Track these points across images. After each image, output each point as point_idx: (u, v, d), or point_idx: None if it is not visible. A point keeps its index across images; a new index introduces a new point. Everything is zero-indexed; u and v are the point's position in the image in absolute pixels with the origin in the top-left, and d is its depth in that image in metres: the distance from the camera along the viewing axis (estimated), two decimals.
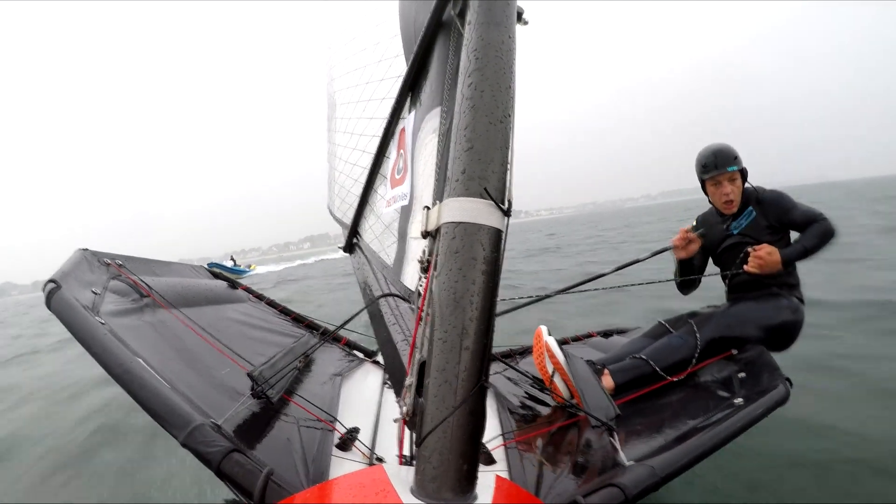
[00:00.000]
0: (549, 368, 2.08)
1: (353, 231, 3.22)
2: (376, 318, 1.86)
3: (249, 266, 38.20)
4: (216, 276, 3.10)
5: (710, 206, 2.65)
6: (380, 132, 2.42)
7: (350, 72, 2.95)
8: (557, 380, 2.05)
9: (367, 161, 2.74)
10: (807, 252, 2.29)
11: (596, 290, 2.82)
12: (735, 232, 2.50)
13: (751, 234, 2.44)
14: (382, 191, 2.57)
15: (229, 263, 33.32)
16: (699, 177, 2.53)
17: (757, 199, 2.45)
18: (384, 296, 2.00)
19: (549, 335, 2.17)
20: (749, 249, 2.33)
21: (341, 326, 1.91)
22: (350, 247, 3.36)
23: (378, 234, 2.44)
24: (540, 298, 3.06)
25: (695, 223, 2.73)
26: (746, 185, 2.50)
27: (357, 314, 1.84)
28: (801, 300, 2.41)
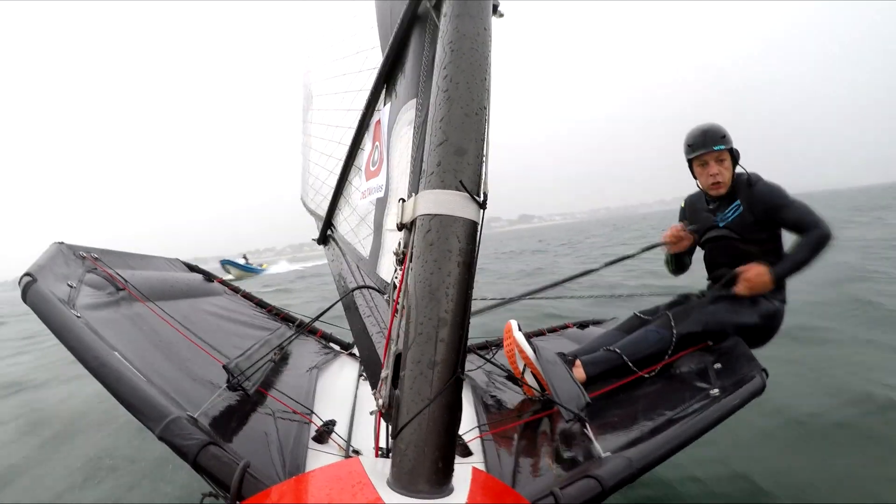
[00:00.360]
0: (520, 364, 2.09)
1: (328, 223, 3.18)
2: (351, 311, 1.85)
3: (261, 265, 37.70)
4: (192, 269, 3.07)
5: (698, 188, 2.56)
6: (356, 124, 2.40)
7: (327, 63, 2.92)
8: (528, 374, 2.06)
9: (343, 153, 2.72)
10: (799, 266, 2.22)
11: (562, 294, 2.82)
12: (720, 224, 2.44)
13: (736, 229, 2.37)
14: (357, 182, 2.55)
15: (241, 261, 33.04)
16: (686, 157, 2.45)
17: (749, 191, 2.34)
18: (359, 287, 2.00)
19: (519, 330, 2.16)
20: (738, 270, 2.28)
21: (316, 318, 1.90)
22: (324, 238, 3.33)
23: (353, 225, 2.42)
24: (525, 295, 3.06)
25: (682, 205, 2.71)
26: (739, 170, 2.41)
27: (332, 306, 1.83)
28: (784, 301, 2.37)
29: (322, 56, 3.13)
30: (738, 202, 2.37)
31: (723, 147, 2.33)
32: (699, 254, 2.68)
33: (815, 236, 2.18)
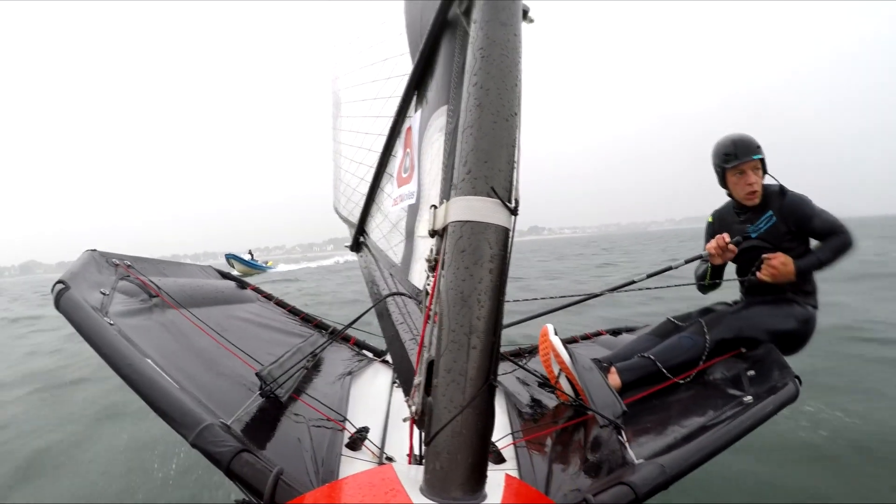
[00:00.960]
0: (556, 369, 2.07)
1: (360, 230, 3.22)
2: (384, 317, 1.86)
3: (267, 262, 37.59)
4: (225, 276, 3.12)
5: (728, 200, 2.57)
6: (386, 131, 2.42)
7: (355, 70, 2.95)
8: (563, 380, 2.05)
9: (374, 160, 2.74)
10: (822, 264, 2.26)
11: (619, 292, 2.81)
12: (753, 236, 2.43)
13: (769, 239, 2.37)
14: (389, 189, 2.57)
15: (246, 257, 32.87)
16: (719, 167, 2.44)
17: (780, 201, 2.37)
18: (391, 295, 2.01)
19: (555, 335, 2.15)
20: (764, 257, 2.29)
21: (349, 326, 1.91)
22: (357, 245, 3.36)
23: (385, 232, 2.44)
24: (568, 305, 3.05)
25: (710, 220, 2.69)
26: (770, 180, 2.42)
27: (365, 313, 1.85)
28: (816, 306, 2.37)
29: (350, 63, 3.17)
30: (770, 213, 2.38)
31: (760, 156, 2.34)
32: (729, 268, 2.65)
33: (841, 241, 2.25)
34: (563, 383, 2.05)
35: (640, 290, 2.74)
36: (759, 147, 2.34)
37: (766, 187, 2.42)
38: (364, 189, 2.97)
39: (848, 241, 2.24)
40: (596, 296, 3.00)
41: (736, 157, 2.35)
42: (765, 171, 2.40)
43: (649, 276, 2.84)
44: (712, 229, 2.66)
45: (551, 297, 3.24)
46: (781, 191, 2.38)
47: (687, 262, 2.72)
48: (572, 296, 2.93)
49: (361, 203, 3.06)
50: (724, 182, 2.49)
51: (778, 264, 2.24)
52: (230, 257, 31.57)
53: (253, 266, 31.66)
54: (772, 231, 2.37)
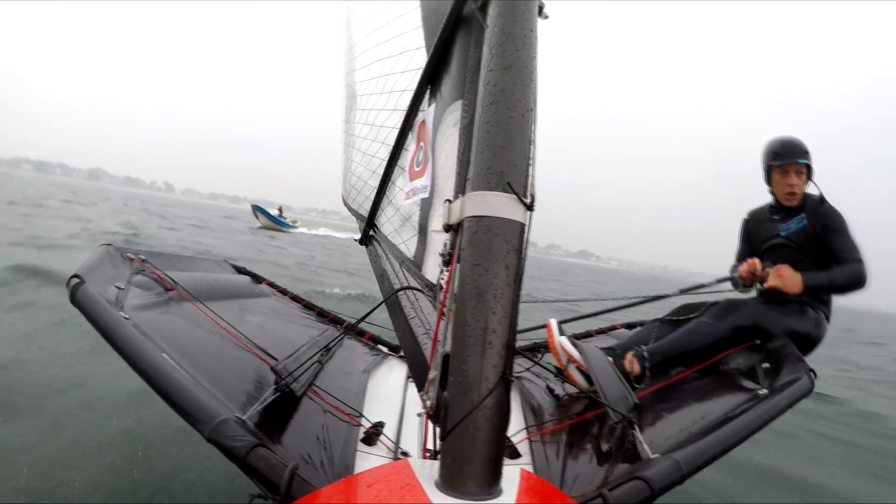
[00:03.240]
0: (564, 359, 2.10)
1: (370, 223, 3.22)
2: (396, 312, 1.87)
3: (295, 222, 36.32)
4: (240, 270, 3.15)
5: (769, 199, 2.60)
6: (400, 124, 2.42)
7: (372, 63, 2.95)
8: (572, 368, 2.07)
9: (386, 153, 2.74)
10: (832, 285, 2.25)
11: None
12: (782, 234, 2.46)
13: (797, 240, 2.40)
14: (401, 182, 2.57)
15: (274, 212, 31.57)
16: (767, 164, 2.49)
17: (817, 207, 2.38)
18: (403, 289, 2.01)
19: (562, 335, 2.17)
20: (768, 270, 2.30)
21: (361, 319, 1.91)
22: (366, 239, 3.36)
23: (397, 226, 2.44)
24: (597, 313, 3.08)
25: (746, 217, 2.73)
26: (814, 189, 2.44)
27: (377, 307, 1.85)
28: (828, 317, 2.36)
29: (367, 55, 3.16)
30: (803, 214, 2.42)
31: (806, 161, 2.38)
32: None
33: (856, 270, 2.22)
34: (573, 372, 2.07)
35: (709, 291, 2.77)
36: (806, 152, 2.39)
37: (807, 194, 2.46)
38: (375, 182, 2.96)
39: (863, 276, 2.22)
40: (621, 308, 3.01)
41: (782, 156, 2.41)
42: (809, 178, 2.44)
43: (682, 291, 2.89)
44: (748, 227, 2.71)
45: (572, 300, 3.24)
46: (821, 199, 2.41)
47: (719, 281, 2.75)
48: (594, 300, 2.93)
49: (372, 196, 3.06)
50: (768, 180, 2.53)
51: (786, 271, 2.24)
52: (256, 209, 30.90)
53: (277, 222, 30.62)
54: (800, 233, 2.40)
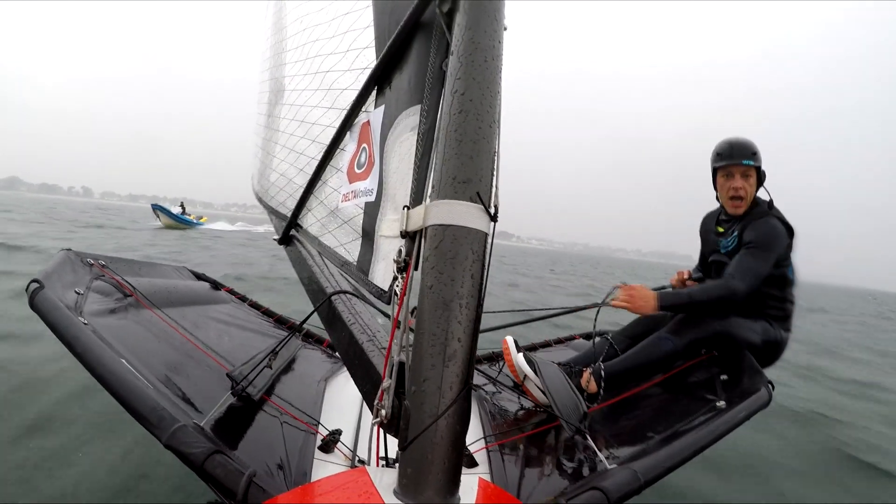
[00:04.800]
0: (521, 375, 2.10)
1: (293, 222, 3.10)
2: (333, 318, 1.82)
3: (201, 218, 34.13)
4: (199, 277, 3.11)
5: (718, 202, 2.44)
6: (336, 123, 2.35)
7: (311, 58, 2.85)
8: (529, 383, 2.07)
9: (316, 150, 2.65)
10: (689, 304, 2.13)
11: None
12: (722, 251, 2.36)
13: (732, 258, 2.23)
14: (335, 183, 2.50)
15: (176, 210, 29.49)
16: (711, 166, 2.34)
17: (750, 220, 2.22)
18: (336, 293, 1.97)
19: (518, 352, 2.14)
20: (616, 286, 2.20)
21: (304, 322, 1.97)
22: (286, 238, 3.23)
23: (332, 228, 2.37)
24: (536, 318, 3.12)
25: (703, 218, 2.61)
26: (762, 195, 2.30)
27: (314, 311, 1.82)
28: (788, 330, 2.28)
29: (302, 50, 3.06)
30: (737, 233, 2.25)
31: (751, 163, 2.21)
32: None
33: (726, 288, 2.08)
34: (531, 387, 2.06)
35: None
36: (755, 154, 2.22)
37: (758, 202, 2.29)
38: (302, 180, 2.86)
39: (729, 293, 2.06)
40: (573, 311, 3.09)
41: (727, 157, 2.25)
42: (760, 182, 2.27)
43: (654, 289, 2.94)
44: (700, 231, 2.60)
45: (528, 310, 3.31)
46: (766, 208, 2.24)
47: (655, 290, 2.86)
48: (549, 309, 2.99)
49: (297, 194, 2.95)
50: (715, 184, 2.37)
51: (636, 293, 2.11)
52: (156, 207, 28.83)
53: (181, 220, 28.84)
54: (734, 252, 2.25)
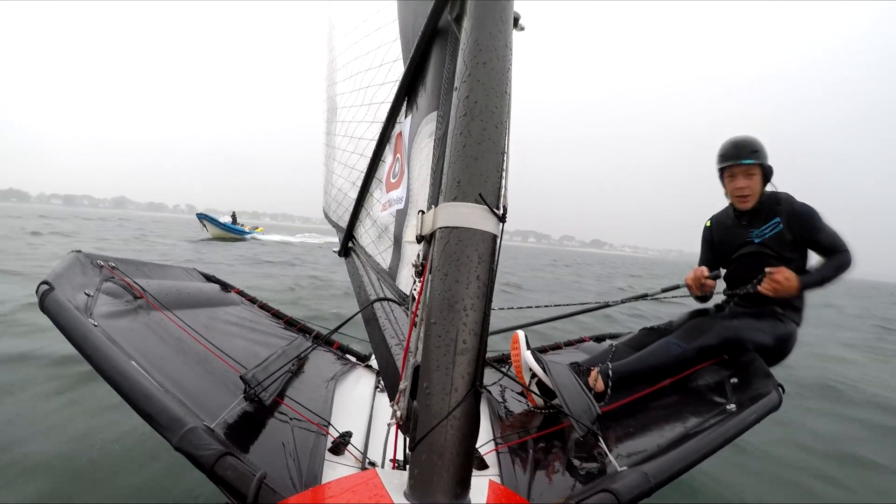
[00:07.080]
0: (527, 376, 2.09)
1: (349, 235, 3.20)
2: (371, 322, 1.86)
3: (256, 228, 33.41)
4: (209, 278, 3.12)
5: (728, 204, 2.52)
6: (378, 136, 2.42)
7: (353, 75, 2.96)
8: (534, 386, 2.05)
9: (365, 164, 2.74)
10: (823, 282, 2.23)
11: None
12: (756, 241, 2.38)
13: (773, 246, 2.32)
14: (378, 194, 2.57)
15: (226, 220, 28.59)
16: (716, 167, 2.42)
17: (789, 209, 2.30)
18: (378, 300, 2.01)
19: (528, 346, 2.14)
20: (768, 270, 2.23)
21: (335, 330, 1.91)
22: (346, 251, 3.35)
23: (374, 238, 2.43)
24: (567, 315, 3.09)
25: (708, 223, 2.66)
26: (770, 187, 2.37)
27: (350, 318, 1.84)
28: (799, 323, 2.33)
29: (347, 68, 3.17)
30: (777, 219, 2.32)
31: (752, 161, 2.28)
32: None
33: (843, 259, 2.23)
34: (535, 389, 2.05)
35: (652, 299, 2.77)
36: (756, 152, 2.29)
37: (772, 194, 2.37)
38: (354, 194, 2.96)
39: (848, 260, 2.22)
40: (576, 314, 3.02)
41: (729, 158, 2.33)
42: (767, 179, 2.36)
43: (623, 301, 2.95)
44: (710, 234, 2.63)
45: (546, 306, 3.25)
46: (789, 199, 2.33)
47: (664, 291, 2.78)
48: (566, 305, 2.94)
49: (351, 208, 3.05)
50: (723, 182, 2.45)
51: (782, 279, 2.17)
52: (202, 217, 27.60)
53: (231, 230, 27.78)
54: (776, 238, 2.32)
